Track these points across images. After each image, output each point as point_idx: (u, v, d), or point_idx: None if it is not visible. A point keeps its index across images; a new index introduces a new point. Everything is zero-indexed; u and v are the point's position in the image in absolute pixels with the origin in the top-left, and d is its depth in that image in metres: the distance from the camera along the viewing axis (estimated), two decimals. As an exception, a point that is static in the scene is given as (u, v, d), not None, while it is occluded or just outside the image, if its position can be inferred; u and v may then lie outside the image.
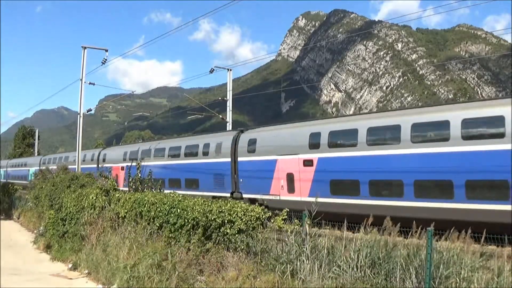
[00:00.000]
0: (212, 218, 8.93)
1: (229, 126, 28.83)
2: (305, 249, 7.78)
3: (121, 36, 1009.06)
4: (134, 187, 15.35)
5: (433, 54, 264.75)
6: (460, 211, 11.23)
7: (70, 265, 12.71)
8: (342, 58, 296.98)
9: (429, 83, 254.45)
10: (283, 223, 9.06)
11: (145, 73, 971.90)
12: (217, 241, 8.91)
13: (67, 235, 14.08)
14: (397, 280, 6.69)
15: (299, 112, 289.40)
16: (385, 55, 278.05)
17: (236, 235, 8.56)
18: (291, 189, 16.20)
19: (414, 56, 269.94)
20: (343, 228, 8.39)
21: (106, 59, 26.32)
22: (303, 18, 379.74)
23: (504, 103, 11.68)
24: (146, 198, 11.52)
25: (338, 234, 8.57)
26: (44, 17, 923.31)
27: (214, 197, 17.66)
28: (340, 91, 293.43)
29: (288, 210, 9.41)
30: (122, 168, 27.11)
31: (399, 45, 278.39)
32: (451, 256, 6.53)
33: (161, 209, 10.57)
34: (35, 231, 18.60)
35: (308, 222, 8.17)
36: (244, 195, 18.22)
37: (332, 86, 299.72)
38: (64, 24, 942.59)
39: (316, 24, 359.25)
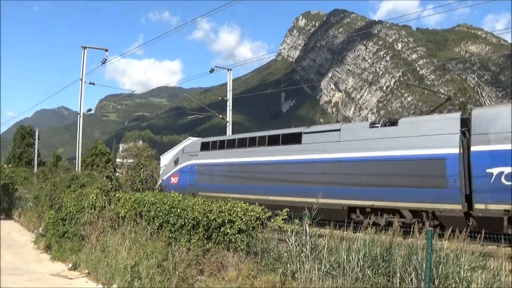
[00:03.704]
0: (213, 218, 8.94)
1: (229, 127, 28.86)
2: (305, 249, 7.79)
3: (119, 35, 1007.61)
4: (134, 187, 15.37)
5: (433, 54, 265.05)
6: None
7: (70, 265, 12.72)
8: (342, 58, 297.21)
9: (429, 83, 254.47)
10: (283, 223, 9.07)
11: (144, 73, 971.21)
12: (217, 241, 8.91)
13: (67, 235, 14.10)
14: (397, 280, 6.71)
15: (299, 112, 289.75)
16: (385, 55, 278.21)
17: (236, 235, 8.58)
18: None
19: (414, 56, 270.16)
20: (344, 228, 8.43)
21: (106, 59, 26.36)
22: (303, 18, 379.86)
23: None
24: (146, 198, 11.52)
25: (339, 234, 8.59)
26: (42, 16, 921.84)
27: None
28: (340, 91, 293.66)
29: (288, 210, 9.32)
30: None
31: (399, 45, 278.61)
32: (450, 256, 6.54)
33: (161, 209, 10.58)
34: (35, 231, 18.61)
35: (308, 222, 8.19)
36: None
37: (332, 86, 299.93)
38: (62, 23, 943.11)
39: (316, 24, 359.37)
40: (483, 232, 7.87)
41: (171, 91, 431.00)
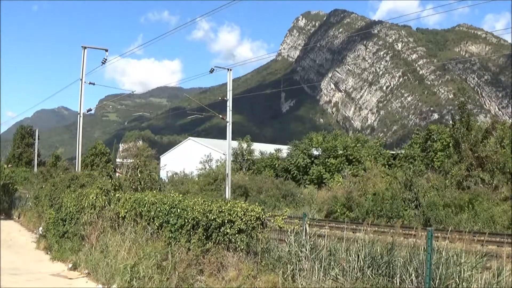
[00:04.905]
0: (212, 218, 8.93)
1: (229, 127, 28.85)
2: (305, 249, 7.78)
3: (118, 35, 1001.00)
4: (134, 187, 15.37)
5: (433, 54, 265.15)
6: None
7: (70, 265, 12.71)
8: (342, 58, 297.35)
9: (429, 83, 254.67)
10: (283, 223, 9.05)
11: (144, 73, 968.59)
12: (217, 241, 8.91)
13: (67, 235, 14.09)
14: (397, 280, 6.70)
15: (299, 112, 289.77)
16: (385, 55, 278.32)
17: (236, 235, 8.56)
18: None
19: (414, 56, 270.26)
20: (343, 228, 8.43)
21: (106, 59, 26.24)
22: (303, 18, 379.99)
23: None
24: (146, 198, 11.51)
25: (338, 234, 8.58)
26: (42, 16, 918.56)
27: None
28: (340, 91, 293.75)
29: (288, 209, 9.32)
30: None
31: (399, 45, 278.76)
32: (451, 257, 6.53)
33: (161, 209, 10.57)
34: (35, 231, 18.61)
35: (308, 222, 8.19)
36: None
37: (332, 86, 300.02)
38: (61, 23, 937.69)
39: (316, 24, 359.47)
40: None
41: (171, 91, 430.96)
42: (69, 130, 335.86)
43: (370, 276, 6.96)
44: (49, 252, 14.86)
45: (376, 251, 7.26)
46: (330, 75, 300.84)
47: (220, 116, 30.98)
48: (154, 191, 13.56)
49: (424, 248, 6.59)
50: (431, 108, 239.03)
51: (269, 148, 55.93)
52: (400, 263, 6.82)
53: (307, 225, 8.18)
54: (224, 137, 32.29)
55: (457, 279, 6.23)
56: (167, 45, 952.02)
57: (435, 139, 38.58)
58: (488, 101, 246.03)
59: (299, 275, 7.58)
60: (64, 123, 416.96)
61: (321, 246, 7.84)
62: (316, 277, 7.39)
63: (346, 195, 27.75)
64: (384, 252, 7.22)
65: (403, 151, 42.73)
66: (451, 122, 33.56)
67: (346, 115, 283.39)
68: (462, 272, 6.28)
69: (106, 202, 13.39)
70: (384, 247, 7.33)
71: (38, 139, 61.44)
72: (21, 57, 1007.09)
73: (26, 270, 12.44)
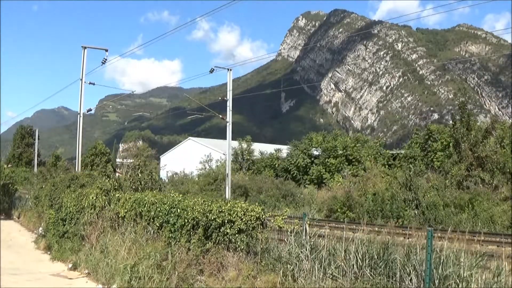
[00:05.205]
0: (212, 218, 8.94)
1: (229, 127, 28.84)
2: (305, 250, 7.79)
3: (118, 34, 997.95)
4: (134, 187, 15.38)
5: (433, 54, 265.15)
6: None
7: (70, 265, 12.71)
8: (342, 58, 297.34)
9: (429, 83, 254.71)
10: (283, 223, 9.06)
11: (144, 73, 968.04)
12: (217, 241, 8.91)
13: (67, 235, 14.09)
14: (397, 280, 6.70)
15: (299, 112, 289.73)
16: (385, 55, 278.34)
17: (236, 235, 8.57)
18: None
19: (414, 56, 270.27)
20: (343, 228, 8.44)
21: (106, 59, 26.21)
22: (303, 18, 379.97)
23: None
24: (146, 198, 11.52)
25: (338, 234, 8.59)
26: (42, 16, 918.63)
27: None
28: (340, 91, 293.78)
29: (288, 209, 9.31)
30: None
31: (399, 45, 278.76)
32: (450, 257, 6.53)
33: (161, 209, 10.58)
34: (35, 231, 18.61)
35: (308, 222, 8.19)
36: None
37: (332, 86, 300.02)
38: (61, 23, 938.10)
39: (316, 24, 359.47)
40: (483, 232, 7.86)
41: (171, 91, 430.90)
42: (69, 130, 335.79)
43: (370, 276, 6.97)
44: (49, 252, 14.86)
45: (376, 251, 7.26)
46: (330, 75, 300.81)
47: (220, 116, 30.98)
48: (154, 191, 13.57)
49: (421, 247, 6.60)
50: (431, 108, 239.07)
51: (269, 148, 55.95)
52: (398, 262, 6.83)
53: (307, 225, 8.19)
54: (224, 137, 32.30)
55: (456, 279, 6.23)
56: (167, 45, 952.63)
57: (435, 139, 38.60)
58: (488, 101, 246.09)
59: (299, 275, 7.59)
60: (64, 123, 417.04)
61: (321, 246, 7.84)
62: (316, 277, 7.39)
63: (345, 195, 27.73)
64: (381, 251, 7.22)
65: (403, 151, 42.75)
66: (451, 122, 33.57)
67: (346, 115, 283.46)
68: (461, 272, 6.28)
69: (106, 202, 13.39)
70: (380, 246, 7.33)
71: (38, 139, 61.43)
72: (21, 57, 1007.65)
73: (26, 270, 12.44)
